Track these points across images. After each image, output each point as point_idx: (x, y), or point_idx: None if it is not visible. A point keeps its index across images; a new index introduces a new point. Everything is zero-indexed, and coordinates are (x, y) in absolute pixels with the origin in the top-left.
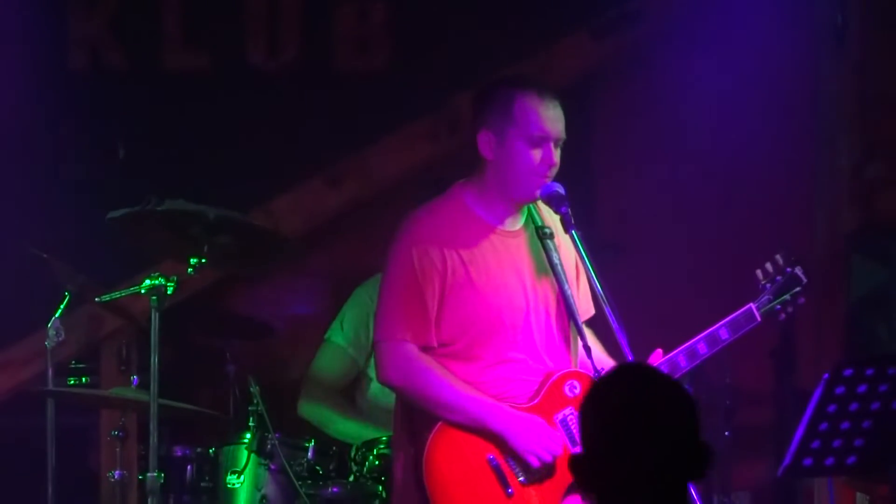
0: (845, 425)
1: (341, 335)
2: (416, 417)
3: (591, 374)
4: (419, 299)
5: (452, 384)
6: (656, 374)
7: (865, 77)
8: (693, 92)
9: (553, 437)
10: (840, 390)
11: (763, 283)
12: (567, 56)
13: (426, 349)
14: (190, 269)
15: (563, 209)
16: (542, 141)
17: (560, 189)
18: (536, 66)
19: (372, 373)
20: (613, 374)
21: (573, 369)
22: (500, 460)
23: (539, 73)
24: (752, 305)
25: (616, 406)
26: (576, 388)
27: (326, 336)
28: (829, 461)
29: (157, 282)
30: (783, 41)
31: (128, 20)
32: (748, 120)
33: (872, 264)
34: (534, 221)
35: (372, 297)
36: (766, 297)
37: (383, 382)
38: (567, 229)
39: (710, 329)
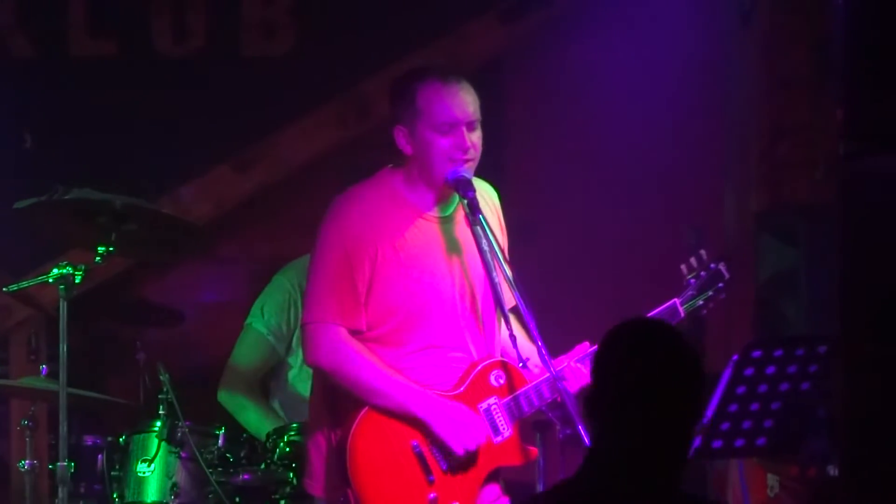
0: (755, 406)
1: (262, 322)
2: (339, 403)
3: (516, 363)
4: (349, 282)
5: (380, 369)
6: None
7: (772, 59)
8: (602, 74)
9: (477, 425)
10: (749, 372)
11: (688, 277)
12: (476, 39)
13: (355, 333)
14: (98, 258)
15: (470, 194)
16: (451, 127)
17: (467, 174)
18: (445, 49)
19: (292, 360)
20: (643, 324)
21: (498, 359)
22: (424, 447)
23: (447, 57)
24: (677, 300)
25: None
26: (501, 378)
27: (247, 322)
28: (739, 442)
29: (64, 271)
30: (691, 23)
31: (33, 8)
32: (658, 102)
33: (780, 245)
34: (464, 207)
35: (293, 282)
36: (691, 292)
37: (311, 364)
38: (474, 213)
39: None
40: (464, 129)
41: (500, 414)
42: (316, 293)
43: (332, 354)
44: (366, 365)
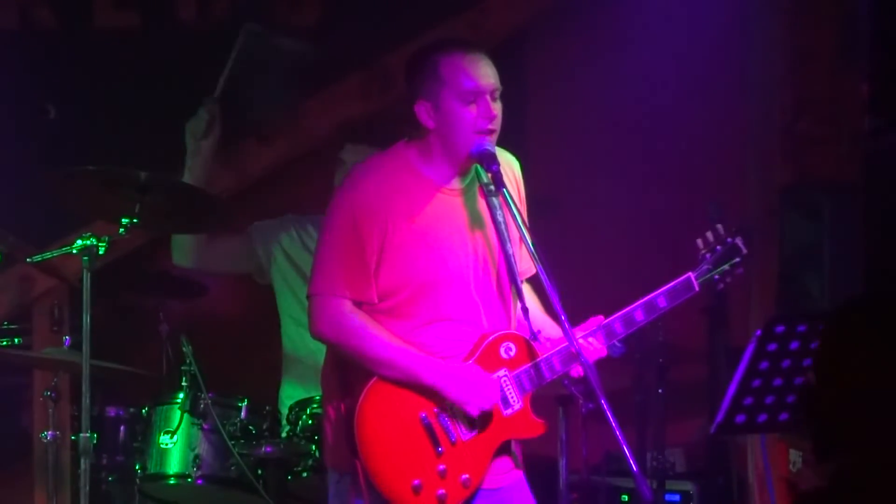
0: (778, 382)
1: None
2: (348, 375)
3: (528, 335)
4: (358, 254)
5: (386, 339)
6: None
7: (796, 33)
8: (626, 47)
9: (489, 384)
10: (772, 347)
11: (703, 252)
12: (499, 11)
13: (363, 305)
14: (121, 229)
15: (494, 167)
16: (476, 96)
17: (491, 147)
18: (468, 21)
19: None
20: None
21: (509, 331)
22: (432, 419)
23: (470, 30)
24: (692, 274)
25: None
26: (511, 349)
27: None
28: (762, 418)
29: (88, 242)
30: None
31: None
32: (682, 75)
33: (804, 220)
34: (479, 179)
35: (294, 222)
36: (706, 266)
37: (316, 336)
38: (498, 187)
39: (648, 296)
40: (487, 97)
41: (509, 386)
42: (322, 264)
43: (337, 326)
44: (371, 336)
